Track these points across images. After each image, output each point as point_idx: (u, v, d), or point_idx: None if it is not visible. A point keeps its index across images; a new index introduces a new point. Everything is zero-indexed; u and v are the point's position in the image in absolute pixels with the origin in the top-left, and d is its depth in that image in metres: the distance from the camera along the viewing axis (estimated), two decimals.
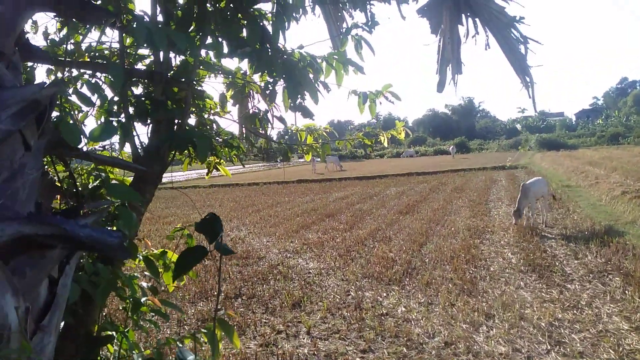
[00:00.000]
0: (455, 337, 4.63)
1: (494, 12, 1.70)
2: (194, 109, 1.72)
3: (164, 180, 1.86)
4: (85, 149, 1.68)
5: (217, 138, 1.94)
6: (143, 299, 1.55)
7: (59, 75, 1.60)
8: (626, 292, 5.55)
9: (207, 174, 2.00)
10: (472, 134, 71.01)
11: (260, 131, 2.01)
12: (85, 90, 1.58)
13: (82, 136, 1.10)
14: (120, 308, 1.62)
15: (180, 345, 1.41)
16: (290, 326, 5.25)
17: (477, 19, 1.74)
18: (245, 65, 1.96)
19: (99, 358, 1.38)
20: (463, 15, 1.77)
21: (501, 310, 5.24)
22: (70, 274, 1.04)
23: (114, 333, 1.45)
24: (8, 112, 0.83)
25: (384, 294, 6.07)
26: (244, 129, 1.91)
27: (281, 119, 1.91)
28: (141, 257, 1.57)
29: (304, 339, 4.90)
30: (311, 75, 1.76)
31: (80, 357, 1.10)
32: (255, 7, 1.79)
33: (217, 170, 2.20)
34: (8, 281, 0.81)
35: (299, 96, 1.67)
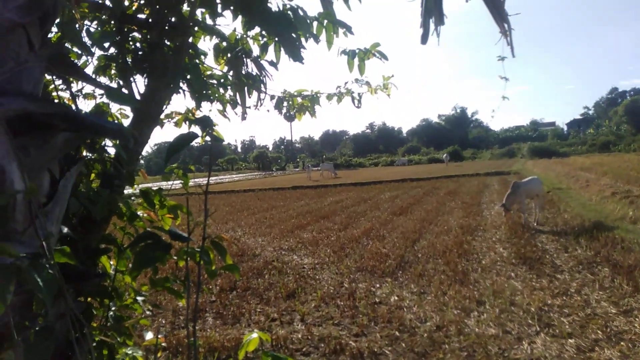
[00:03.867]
0: (447, 321, 4.69)
1: None
2: (187, 59, 1.80)
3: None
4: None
5: (211, 81, 2.03)
6: (140, 212, 1.62)
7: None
8: (615, 280, 5.64)
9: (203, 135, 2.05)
10: (465, 143, 71.48)
11: (254, 92, 2.10)
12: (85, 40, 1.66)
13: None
14: (117, 228, 1.67)
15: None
16: (285, 314, 5.29)
17: None
18: (239, 26, 2.06)
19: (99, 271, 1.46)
20: None
21: (492, 297, 5.31)
22: (71, 180, 1.11)
23: (111, 247, 1.52)
24: (14, 3, 0.91)
25: (377, 285, 6.12)
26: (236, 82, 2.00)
27: (272, 63, 2.00)
28: (138, 190, 1.64)
29: (298, 325, 4.94)
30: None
31: (79, 264, 1.17)
32: None
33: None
34: (14, 152, 0.87)
35: (293, 49, 1.77)
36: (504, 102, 3.40)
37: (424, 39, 1.83)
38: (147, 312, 1.69)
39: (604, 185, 14.55)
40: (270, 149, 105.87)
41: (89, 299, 1.40)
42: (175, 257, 1.37)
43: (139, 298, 1.64)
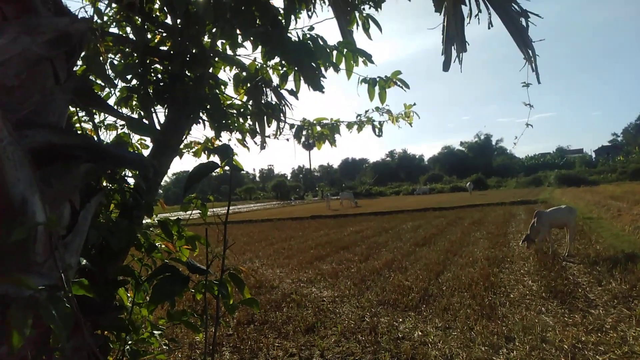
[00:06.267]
0: (474, 358, 4.48)
1: None
2: (207, 89, 1.81)
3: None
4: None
5: (231, 111, 2.04)
6: (158, 244, 1.59)
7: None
8: None
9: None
10: (490, 171, 70.01)
11: (273, 121, 2.10)
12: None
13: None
14: (135, 259, 1.65)
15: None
16: (304, 349, 5.15)
17: None
18: (259, 57, 2.08)
19: (116, 303, 1.43)
20: None
21: (522, 333, 5.06)
22: (91, 211, 1.10)
23: (129, 279, 1.49)
24: (43, 37, 0.92)
25: (400, 320, 5.93)
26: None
27: (292, 92, 2.00)
28: (157, 220, 1.63)
29: None
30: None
31: (96, 297, 1.14)
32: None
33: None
34: (37, 183, 0.87)
35: (313, 78, 1.77)
36: (527, 129, 3.30)
37: (446, 66, 1.81)
38: (164, 347, 1.64)
39: (637, 214, 14.00)
40: (289, 177, 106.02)
41: (105, 332, 1.37)
42: (192, 290, 1.34)
43: (156, 332, 1.60)
